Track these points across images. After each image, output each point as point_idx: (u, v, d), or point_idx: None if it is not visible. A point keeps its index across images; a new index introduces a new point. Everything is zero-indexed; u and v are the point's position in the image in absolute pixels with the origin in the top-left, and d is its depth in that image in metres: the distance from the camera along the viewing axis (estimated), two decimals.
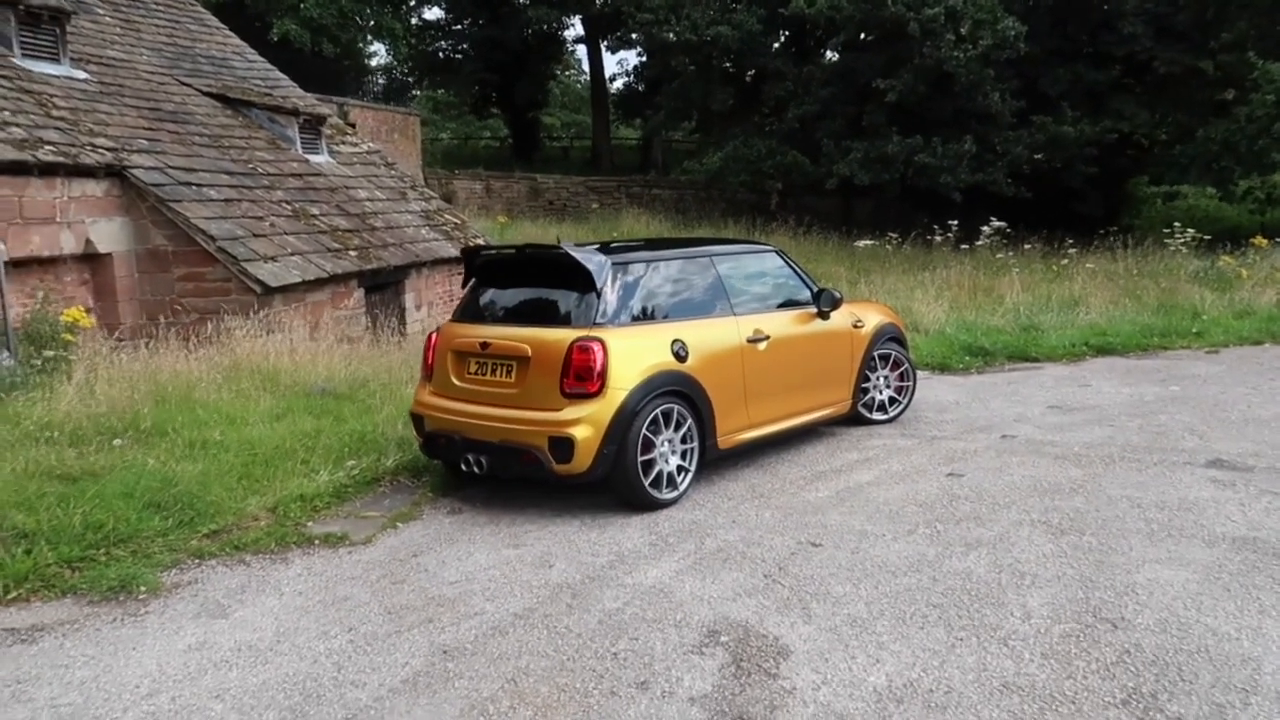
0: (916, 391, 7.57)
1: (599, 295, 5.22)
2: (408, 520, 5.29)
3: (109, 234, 10.95)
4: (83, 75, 12.65)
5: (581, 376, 5.03)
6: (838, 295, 6.39)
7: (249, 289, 10.85)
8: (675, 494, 5.32)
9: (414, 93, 43.06)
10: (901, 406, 7.12)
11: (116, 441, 6.03)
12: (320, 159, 15.33)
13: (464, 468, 5.40)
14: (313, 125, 15.52)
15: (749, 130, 21.50)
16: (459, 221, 16.72)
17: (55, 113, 11.23)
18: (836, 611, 3.83)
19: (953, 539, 4.61)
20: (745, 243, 6.80)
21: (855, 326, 6.69)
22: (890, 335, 7.02)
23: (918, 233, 17.59)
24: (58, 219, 10.44)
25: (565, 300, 5.32)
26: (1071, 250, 15.38)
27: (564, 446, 5.00)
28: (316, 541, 4.95)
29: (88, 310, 11.32)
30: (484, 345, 5.40)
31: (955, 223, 16.27)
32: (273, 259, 11.43)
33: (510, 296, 5.61)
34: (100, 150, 10.93)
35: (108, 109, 12.23)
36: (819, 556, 4.45)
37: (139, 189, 11.02)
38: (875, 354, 6.91)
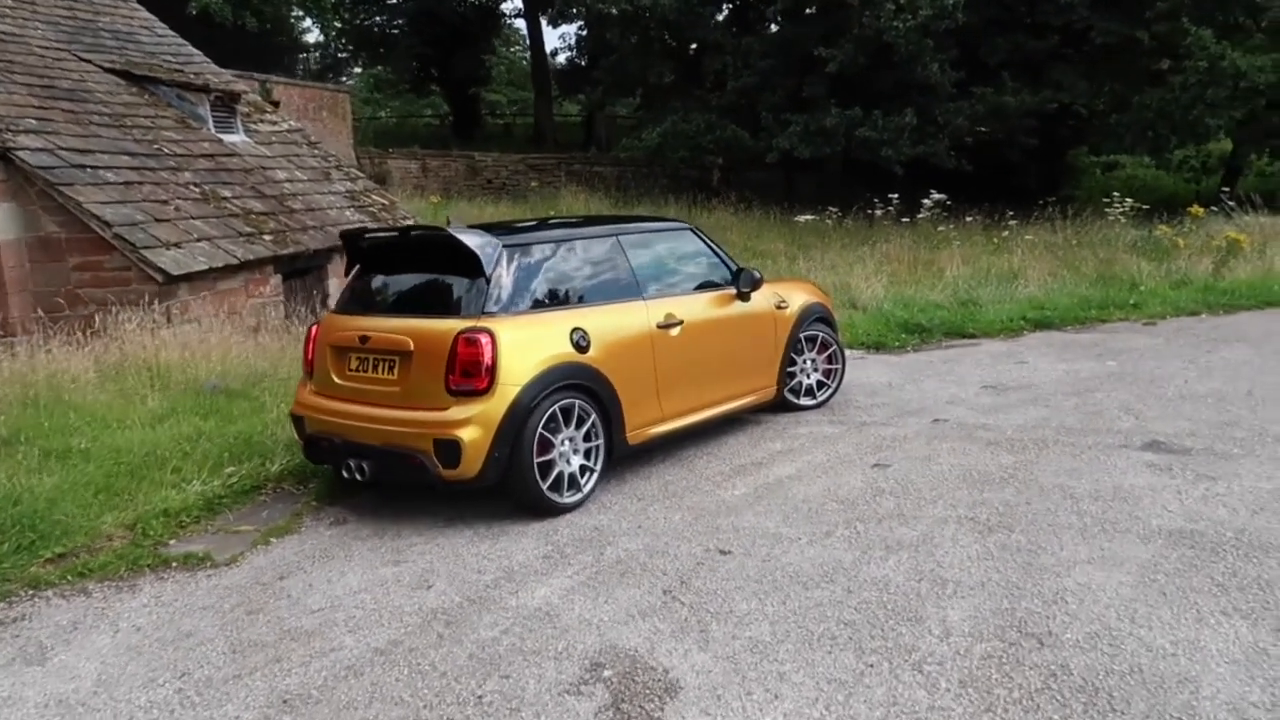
0: (849, 373, 7.21)
1: (489, 281, 4.73)
2: (283, 535, 4.79)
3: None
4: None
5: (468, 372, 4.55)
6: (757, 275, 5.97)
7: (150, 278, 10.17)
8: (578, 497, 4.88)
9: (355, 70, 41.84)
10: (830, 390, 6.75)
11: None
12: (235, 139, 14.57)
13: (344, 474, 4.91)
14: (226, 103, 14.73)
15: (689, 105, 20.99)
16: (388, 202, 16.07)
17: None
18: (737, 634, 3.43)
19: (873, 541, 4.23)
20: (656, 220, 6.35)
21: (779, 307, 6.29)
22: (817, 315, 6.62)
23: (859, 207, 17.28)
24: None
25: (453, 288, 4.83)
26: (1012, 222, 15.17)
27: (450, 450, 4.53)
28: (174, 564, 4.44)
29: None
30: (364, 339, 4.90)
31: (896, 196, 15.97)
32: (176, 245, 10.74)
33: (395, 284, 5.11)
34: None
35: None
36: (726, 566, 4.04)
37: (25, 172, 10.27)
38: (801, 336, 6.51)
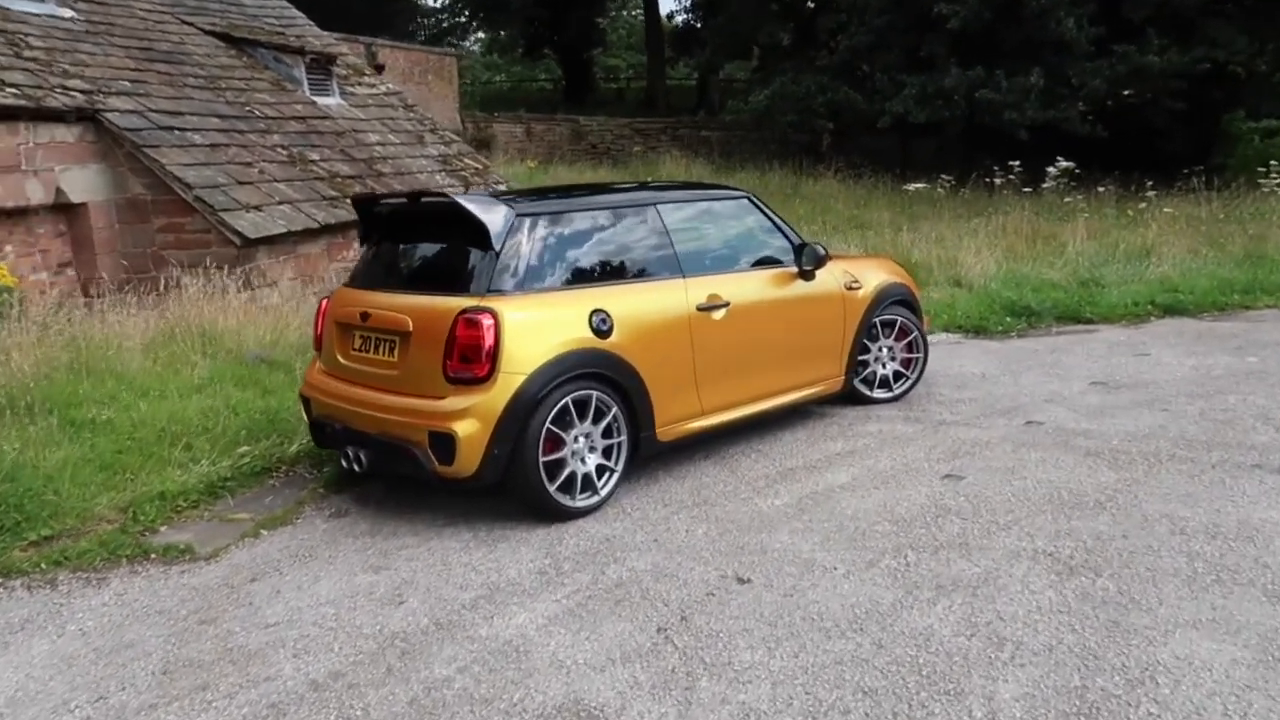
0: (937, 361, 6.41)
1: (498, 255, 4.19)
2: (277, 526, 4.40)
3: (83, 182, 10.26)
4: (68, 14, 11.90)
5: (467, 357, 4.03)
6: (822, 251, 5.24)
7: (229, 240, 10.08)
8: (594, 500, 4.32)
9: (478, 35, 41.89)
10: (909, 382, 5.97)
11: None
12: (330, 101, 14.48)
13: (344, 463, 4.48)
14: (322, 65, 14.65)
15: (800, 67, 19.87)
16: (480, 166, 15.76)
17: (27, 54, 10.51)
18: (729, 696, 2.81)
19: (923, 577, 3.52)
20: (707, 187, 5.68)
21: (850, 288, 5.54)
22: (896, 298, 5.84)
23: (976, 175, 16.02)
24: (22, 166, 9.75)
25: (461, 261, 4.30)
26: (1150, 193, 13.71)
27: (444, 444, 4.03)
28: (154, 555, 4.10)
29: (65, 265, 10.73)
30: (364, 316, 4.44)
31: (1018, 163, 14.69)
32: (256, 208, 10.64)
33: (405, 257, 4.62)
34: (72, 93, 10.19)
35: (90, 49, 11.50)
36: (739, 600, 3.41)
37: (114, 134, 10.30)
38: (876, 320, 5.75)
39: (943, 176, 15.39)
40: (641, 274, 4.60)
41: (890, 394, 5.91)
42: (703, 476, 4.74)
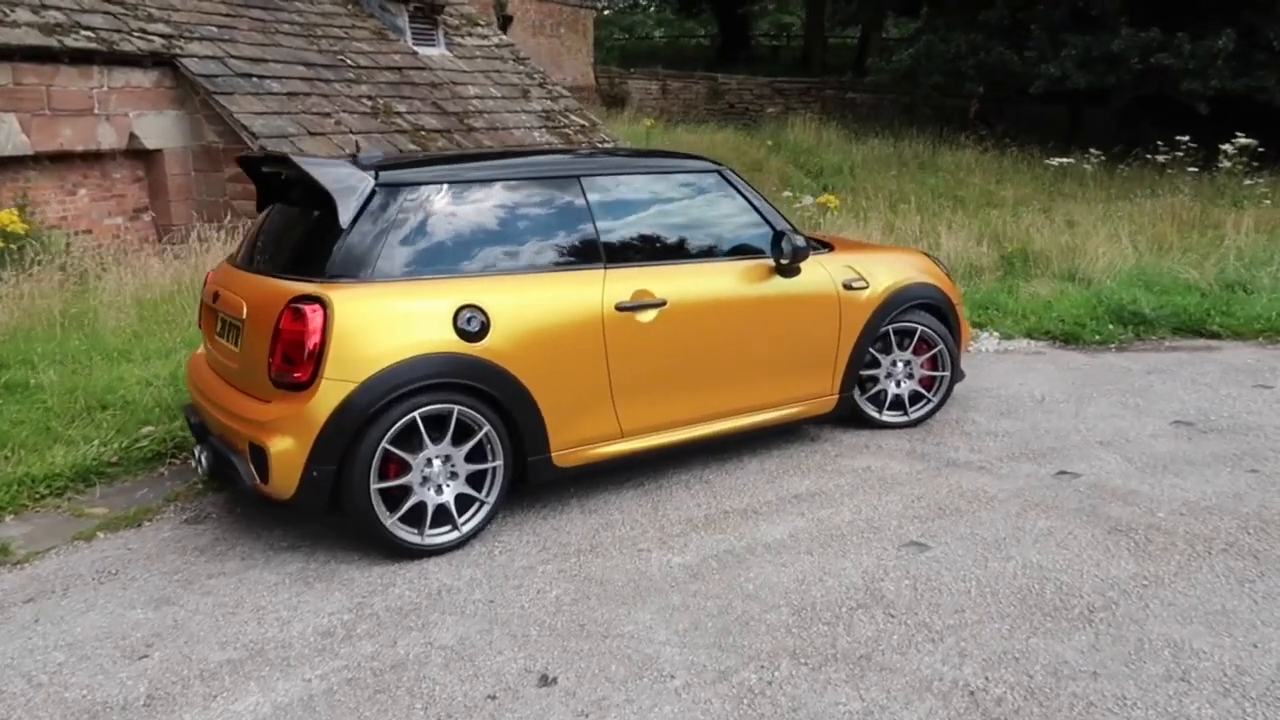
0: (995, 376, 5.30)
1: (346, 232, 3.45)
2: (122, 527, 3.88)
3: (158, 128, 10.22)
4: None
5: (289, 357, 3.32)
6: (801, 242, 4.21)
7: None
8: (451, 536, 3.55)
9: None
10: (930, 406, 4.87)
11: None
12: (433, 51, 14.08)
13: (192, 462, 3.91)
14: (427, 14, 14.24)
15: (957, 24, 17.96)
16: (587, 124, 15.05)
17: None
18: None
19: (775, 708, 2.57)
20: (665, 156, 4.72)
21: (850, 287, 4.49)
22: (919, 301, 4.73)
23: (1137, 151, 14.00)
24: (95, 111, 9.76)
25: (316, 238, 3.58)
26: None
27: (260, 459, 3.36)
28: None
29: (141, 210, 10.79)
30: (215, 296, 3.82)
31: (1187, 138, 12.67)
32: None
33: (274, 230, 3.92)
34: (150, 37, 10.11)
35: None
36: (518, 711, 2.58)
37: (190, 80, 10.18)
38: (889, 329, 4.67)
39: (1091, 151, 13.50)
40: (544, 263, 3.75)
41: (904, 418, 4.83)
42: (615, 513, 3.89)
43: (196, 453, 3.80)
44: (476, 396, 3.51)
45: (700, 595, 3.18)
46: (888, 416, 4.82)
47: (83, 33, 9.55)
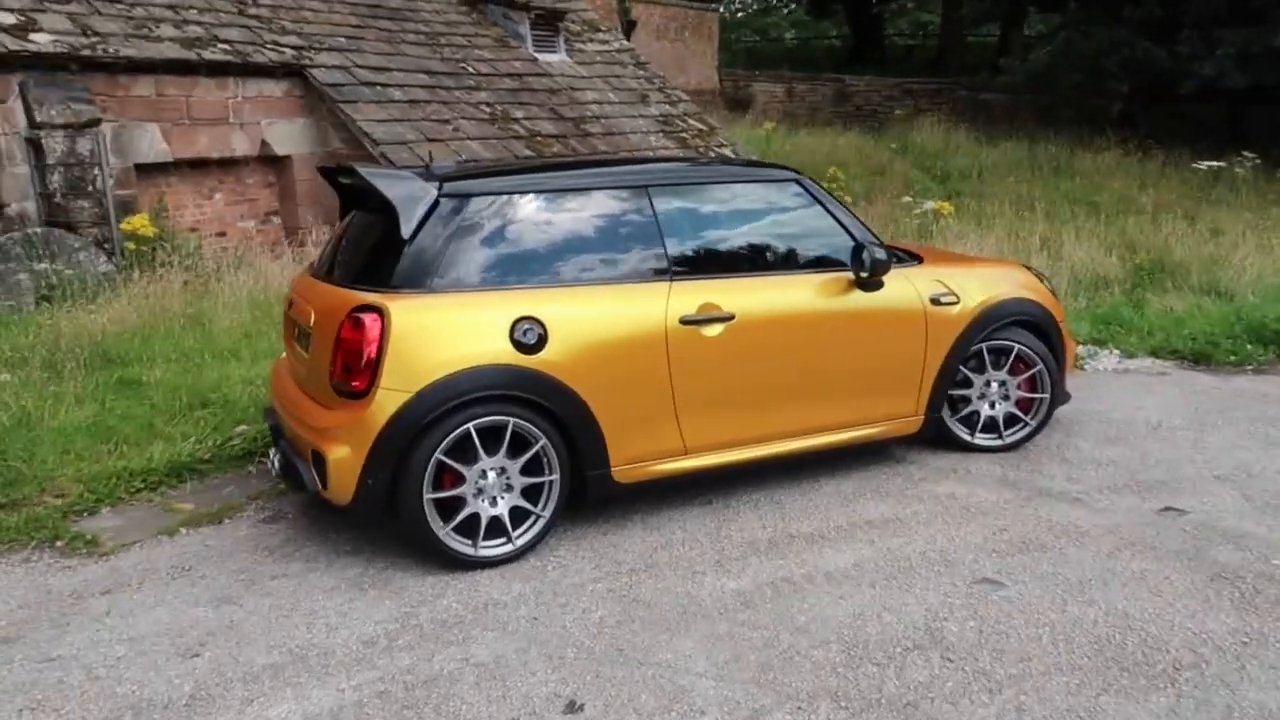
0: (1112, 397, 4.98)
1: (408, 241, 3.47)
2: (204, 523, 4.03)
3: (288, 136, 10.70)
4: None
5: (349, 366, 3.37)
6: (881, 254, 4.00)
7: None
8: (505, 549, 3.53)
9: None
10: (1027, 430, 4.57)
11: (4, 376, 5.37)
12: (553, 58, 14.27)
13: (267, 463, 4.02)
14: (548, 21, 14.46)
15: (1100, 18, 16.95)
16: (705, 128, 14.95)
17: (250, 10, 11.04)
18: None
19: None
20: (737, 165, 4.57)
21: (938, 302, 4.25)
22: (1015, 318, 4.44)
23: None
24: (230, 119, 10.29)
25: (381, 248, 3.62)
26: None
27: (320, 465, 3.42)
28: (60, 542, 3.85)
29: (272, 214, 11.32)
30: (290, 304, 3.91)
31: None
32: None
33: (348, 239, 3.99)
34: (282, 49, 10.60)
35: (316, 5, 11.95)
36: None
37: (318, 90, 10.62)
38: (983, 346, 4.41)
39: (1245, 154, 12.52)
40: (607, 275, 3.69)
41: (999, 441, 4.55)
42: (677, 531, 3.79)
43: (271, 454, 3.90)
44: (532, 409, 3.47)
45: (748, 625, 3.05)
46: (980, 440, 4.55)
47: (220, 45, 10.08)
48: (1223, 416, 5.00)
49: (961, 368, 4.43)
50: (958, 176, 15.02)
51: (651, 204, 3.79)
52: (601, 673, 2.80)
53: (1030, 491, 4.08)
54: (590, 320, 3.56)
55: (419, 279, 3.45)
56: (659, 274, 3.74)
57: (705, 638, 2.98)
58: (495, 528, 3.51)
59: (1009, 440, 4.55)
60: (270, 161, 10.82)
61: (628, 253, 3.73)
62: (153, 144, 9.58)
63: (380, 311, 3.34)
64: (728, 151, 14.58)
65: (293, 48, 10.74)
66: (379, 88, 11.08)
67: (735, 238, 3.99)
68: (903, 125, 18.85)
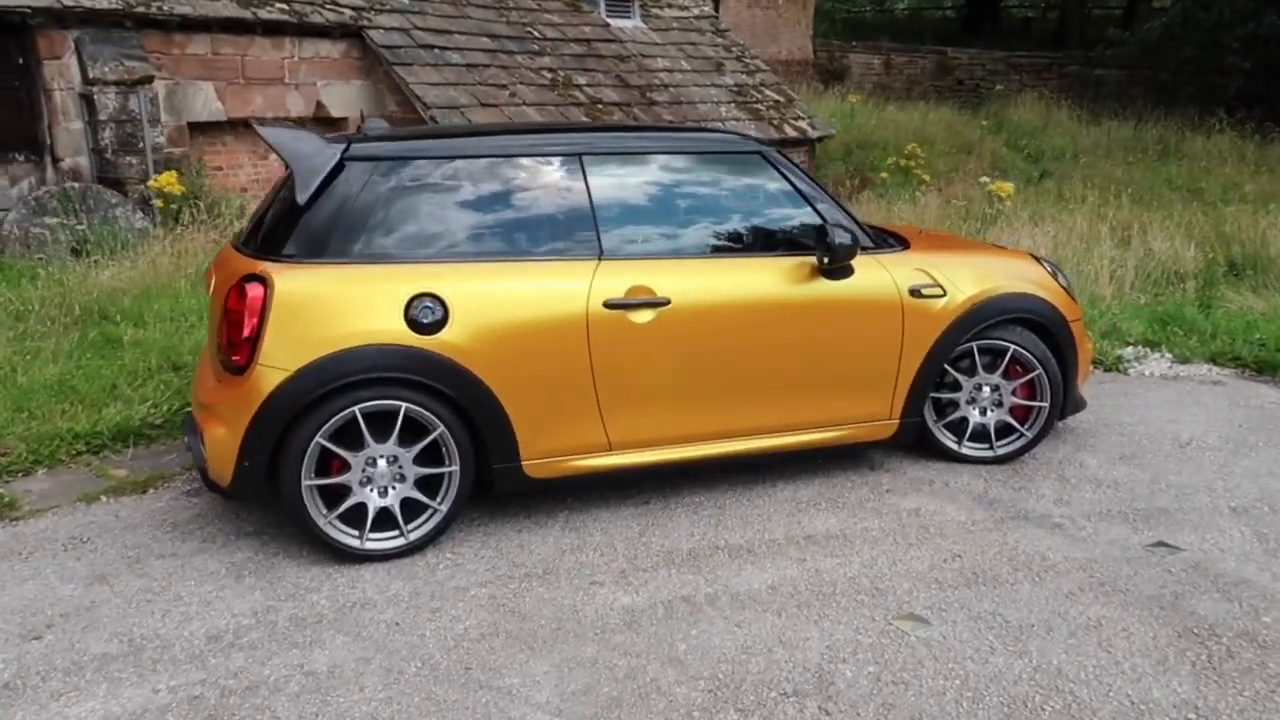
0: (1148, 408, 4.45)
1: (305, 208, 3.22)
2: (131, 491, 3.93)
3: (344, 97, 10.68)
4: None
5: (231, 340, 3.15)
6: (849, 238, 3.55)
7: None
8: (396, 543, 3.28)
9: None
10: (1021, 441, 4.07)
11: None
12: (627, 23, 13.91)
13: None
14: None
15: None
16: (782, 99, 14.36)
17: None
18: None
19: None
20: (693, 132, 4.14)
21: (919, 294, 3.78)
22: (1014, 315, 3.93)
23: None
24: (285, 80, 10.31)
25: (285, 214, 3.38)
26: None
27: (201, 446, 3.23)
28: None
29: None
30: (208, 272, 3.73)
31: None
32: None
33: (273, 205, 3.73)
34: (340, 9, 10.54)
35: None
36: None
37: (375, 51, 10.55)
38: (973, 345, 3.92)
39: None
40: (526, 251, 3.37)
41: (989, 453, 4.06)
42: (596, 533, 3.47)
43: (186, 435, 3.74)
44: (428, 394, 3.20)
45: (619, 650, 2.72)
46: (968, 449, 4.07)
47: (277, 5, 10.05)
48: (1266, 437, 4.38)
49: (949, 368, 3.96)
50: (1050, 156, 14.05)
51: (585, 174, 3.45)
52: (433, 694, 2.52)
53: (1007, 512, 3.61)
54: (498, 300, 3.25)
55: (314, 248, 3.20)
56: (586, 251, 3.40)
57: (566, 661, 2.67)
58: (387, 519, 3.26)
59: (1000, 452, 4.06)
60: (326, 123, 10.79)
61: (553, 227, 3.40)
62: (207, 103, 9.65)
63: (264, 281, 3.10)
64: (804, 124, 13.99)
65: (352, 8, 10.66)
66: (437, 50, 10.92)
67: (682, 215, 3.61)
68: (1002, 101, 17.78)
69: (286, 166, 3.28)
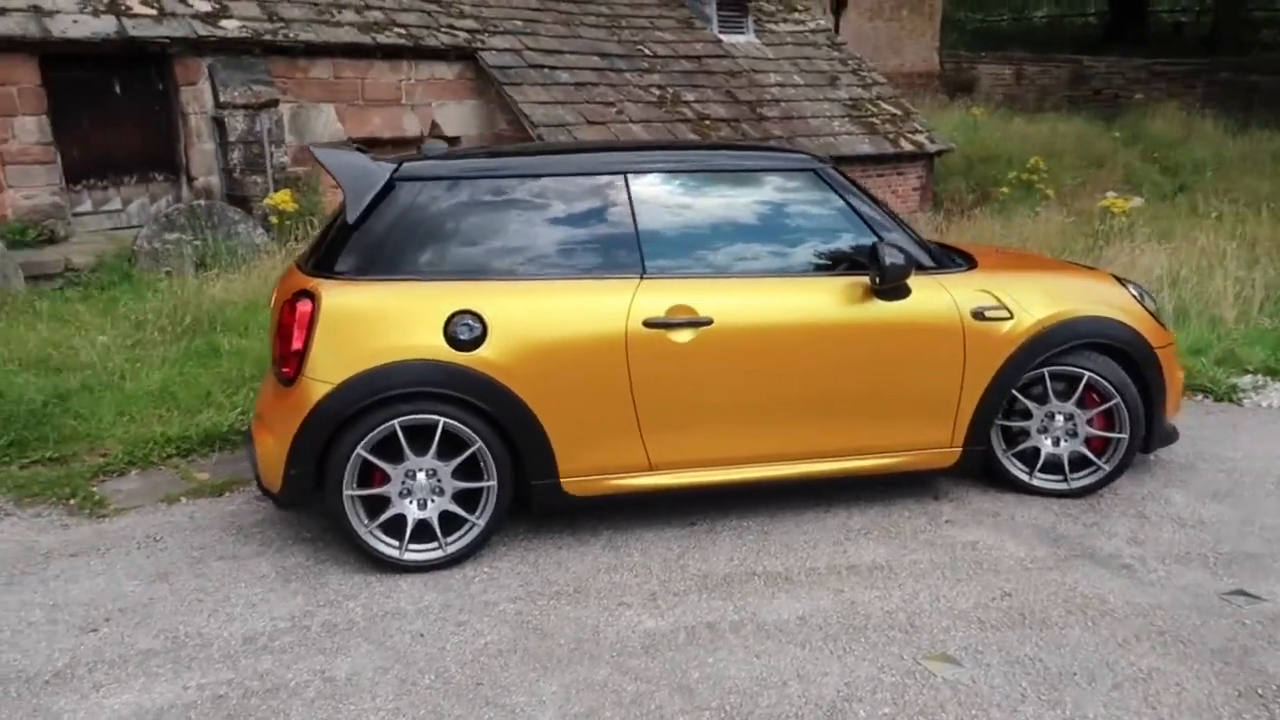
0: (1265, 441, 4.17)
1: (354, 227, 3.34)
2: (208, 494, 4.15)
3: (457, 117, 11.04)
4: None
5: (283, 353, 3.29)
6: (903, 257, 3.42)
7: None
8: (435, 555, 3.34)
9: None
10: (1098, 474, 3.83)
11: (101, 338, 5.77)
12: (740, 39, 13.91)
13: None
14: (737, 2, 14.07)
15: None
16: (899, 113, 14.06)
17: None
18: None
19: None
20: (745, 150, 4.04)
21: (983, 316, 3.61)
22: (1090, 339, 3.70)
23: None
24: (402, 101, 10.74)
25: (338, 233, 3.50)
26: None
27: (254, 454, 3.37)
28: (69, 503, 4.05)
29: None
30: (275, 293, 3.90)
31: None
32: None
33: (333, 225, 3.89)
34: (456, 33, 10.92)
35: None
36: None
37: (487, 72, 10.89)
38: (1044, 372, 3.72)
39: None
40: (566, 269, 3.39)
41: (1062, 485, 3.84)
42: (635, 553, 3.45)
43: None
44: (466, 409, 3.25)
45: (632, 674, 2.69)
46: (1040, 481, 3.86)
47: (395, 30, 10.48)
48: None
49: (1018, 395, 3.76)
50: (1190, 169, 13.24)
51: (629, 192, 3.45)
52: (440, 708, 2.55)
53: (1072, 550, 3.40)
54: (536, 317, 3.28)
55: (362, 266, 3.31)
56: (628, 270, 3.39)
57: (576, 683, 2.65)
58: (427, 531, 3.32)
59: (1075, 485, 3.83)
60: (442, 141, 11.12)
61: (596, 246, 3.41)
62: (328, 124, 10.12)
63: (313, 297, 3.22)
64: (922, 138, 13.65)
65: (468, 31, 11.00)
66: (546, 70, 11.15)
67: (729, 234, 3.56)
68: (1140, 112, 16.86)
69: (340, 186, 3.39)
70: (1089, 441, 3.82)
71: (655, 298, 3.36)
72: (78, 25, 8.46)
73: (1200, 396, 5.20)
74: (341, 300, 3.23)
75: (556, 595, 3.16)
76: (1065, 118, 16.74)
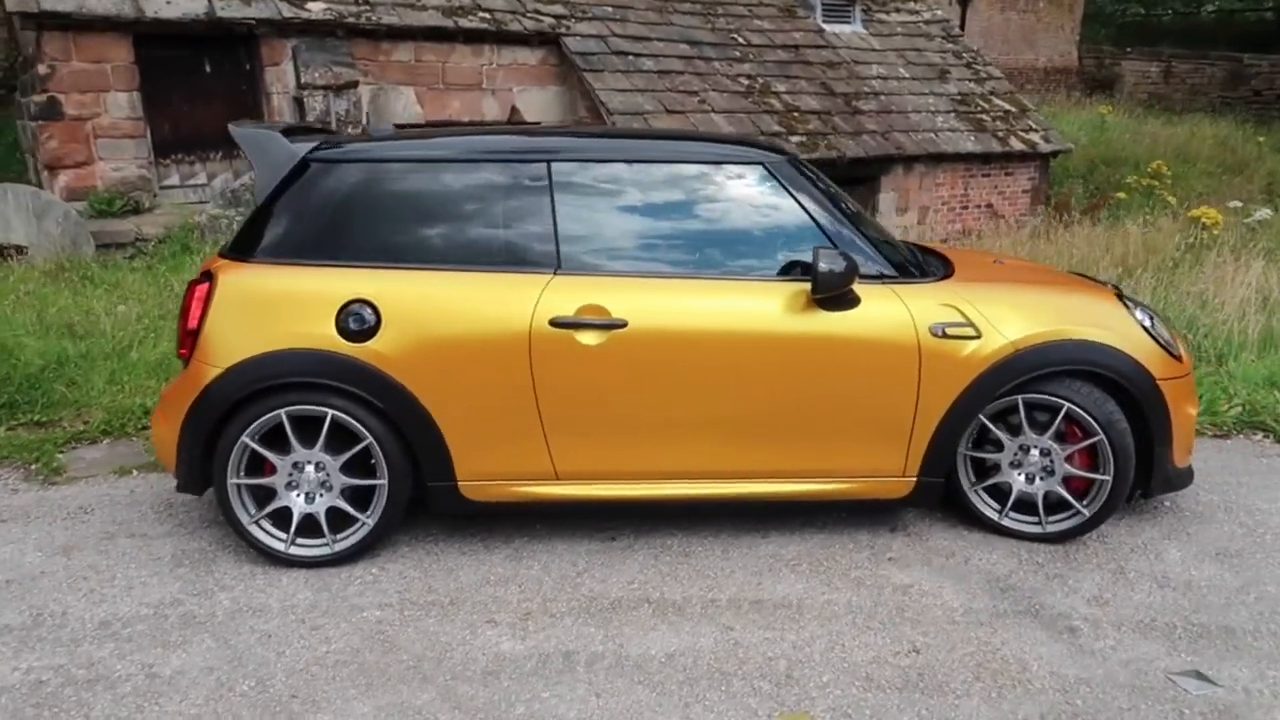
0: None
1: (264, 207, 3.23)
2: (157, 469, 4.14)
3: (538, 103, 11.01)
4: None
5: (180, 333, 3.22)
6: (839, 264, 3.05)
7: None
8: (322, 551, 3.21)
9: None
10: (1077, 519, 3.37)
11: (120, 307, 5.91)
12: (845, 28, 13.40)
13: None
14: None
15: None
16: (1014, 109, 13.26)
17: None
18: None
19: None
20: (689, 140, 3.69)
21: (943, 334, 3.21)
22: (1072, 366, 3.24)
23: None
24: (482, 85, 10.77)
25: (257, 213, 3.41)
26: None
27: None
28: (31, 468, 4.14)
29: None
30: None
31: None
32: None
33: None
34: (540, 18, 10.88)
35: None
36: None
37: (570, 58, 10.81)
38: (1019, 399, 3.29)
39: None
40: (472, 260, 3.18)
41: (1035, 527, 3.40)
42: (535, 568, 3.23)
43: None
44: (356, 403, 3.10)
45: (454, 702, 2.48)
46: (1011, 522, 3.42)
47: (479, 14, 10.48)
48: None
49: (991, 425, 3.35)
50: None
51: (550, 181, 3.21)
52: (240, 718, 2.41)
53: (1017, 605, 2.98)
54: (433, 310, 3.09)
55: (270, 248, 3.20)
56: (542, 264, 3.17)
57: (391, 706, 2.46)
58: (318, 526, 3.20)
59: (1050, 529, 3.38)
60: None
61: (508, 236, 3.19)
62: (407, 106, 10.22)
63: (211, 278, 3.14)
64: (1035, 137, 12.81)
65: (554, 16, 10.92)
66: (630, 57, 10.96)
67: (660, 230, 3.28)
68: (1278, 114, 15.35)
69: (252, 165, 3.29)
70: (1068, 481, 3.36)
71: (567, 295, 3.12)
72: (170, 6, 8.77)
73: (1260, 435, 4.58)
74: (237, 283, 3.13)
75: (428, 606, 2.97)
76: (1212, 119, 15.38)
